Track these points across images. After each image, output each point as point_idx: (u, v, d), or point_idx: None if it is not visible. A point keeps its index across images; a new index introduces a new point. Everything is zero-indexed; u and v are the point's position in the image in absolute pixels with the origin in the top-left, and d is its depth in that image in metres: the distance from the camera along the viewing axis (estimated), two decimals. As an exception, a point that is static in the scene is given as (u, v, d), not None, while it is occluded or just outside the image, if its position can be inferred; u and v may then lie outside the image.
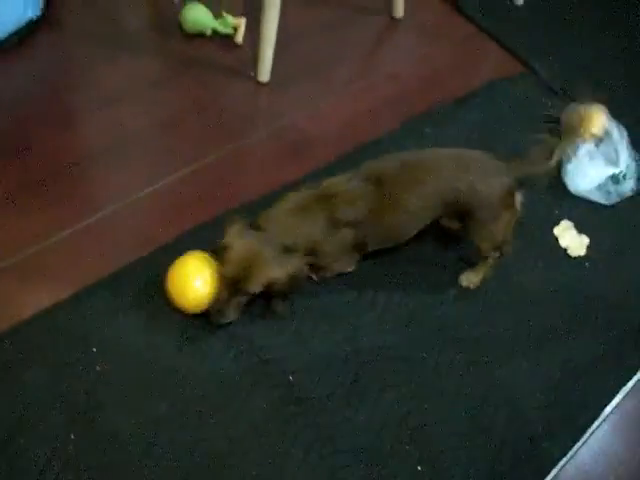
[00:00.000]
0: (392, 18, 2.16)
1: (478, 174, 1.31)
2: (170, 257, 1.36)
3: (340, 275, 1.47)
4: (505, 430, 1.32)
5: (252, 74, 1.87)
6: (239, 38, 1.95)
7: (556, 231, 1.68)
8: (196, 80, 1.88)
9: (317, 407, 1.29)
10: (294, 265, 1.27)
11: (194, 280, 1.30)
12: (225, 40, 1.97)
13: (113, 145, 1.70)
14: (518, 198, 1.37)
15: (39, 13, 1.89)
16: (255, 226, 1.30)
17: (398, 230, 1.39)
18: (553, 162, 1.32)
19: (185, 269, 1.32)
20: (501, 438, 1.31)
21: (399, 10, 2.14)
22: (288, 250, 1.27)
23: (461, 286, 1.51)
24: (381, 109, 1.91)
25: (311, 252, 1.31)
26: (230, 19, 1.95)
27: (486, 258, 1.46)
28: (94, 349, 1.30)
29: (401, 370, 1.37)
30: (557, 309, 1.53)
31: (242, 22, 1.95)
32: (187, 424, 1.23)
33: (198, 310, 1.33)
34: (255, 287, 1.26)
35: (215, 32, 1.96)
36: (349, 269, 1.46)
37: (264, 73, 1.85)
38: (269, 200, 1.38)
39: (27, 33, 1.88)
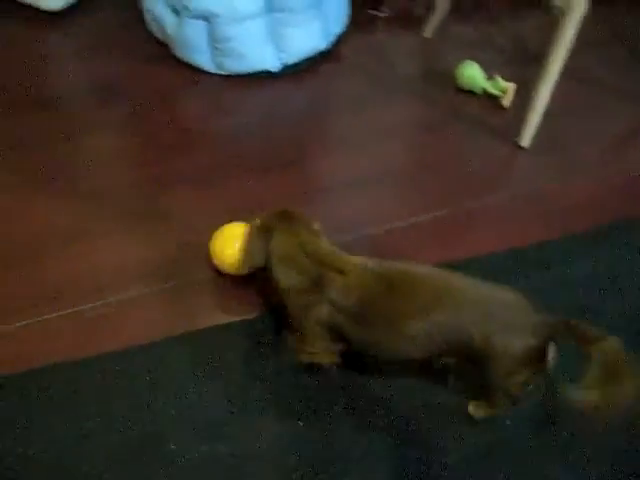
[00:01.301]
0: (652, 109, 2.15)
1: (500, 326, 1.15)
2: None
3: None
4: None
5: (514, 138, 1.93)
6: (506, 102, 2.03)
7: None
8: (459, 132, 1.98)
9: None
10: None
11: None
12: (492, 101, 2.06)
13: (370, 176, 1.82)
14: (550, 351, 1.17)
15: (328, 46, 2.10)
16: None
17: (388, 347, 1.25)
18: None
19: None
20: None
21: (661, 102, 2.13)
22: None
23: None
24: (621, 197, 1.88)
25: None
26: (501, 82, 2.03)
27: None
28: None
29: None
30: None
31: (512, 87, 2.02)
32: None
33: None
34: None
35: (485, 92, 2.06)
36: (328, 360, 1.32)
37: (527, 138, 1.90)
38: (497, 259, 1.59)
39: (313, 62, 2.09)
